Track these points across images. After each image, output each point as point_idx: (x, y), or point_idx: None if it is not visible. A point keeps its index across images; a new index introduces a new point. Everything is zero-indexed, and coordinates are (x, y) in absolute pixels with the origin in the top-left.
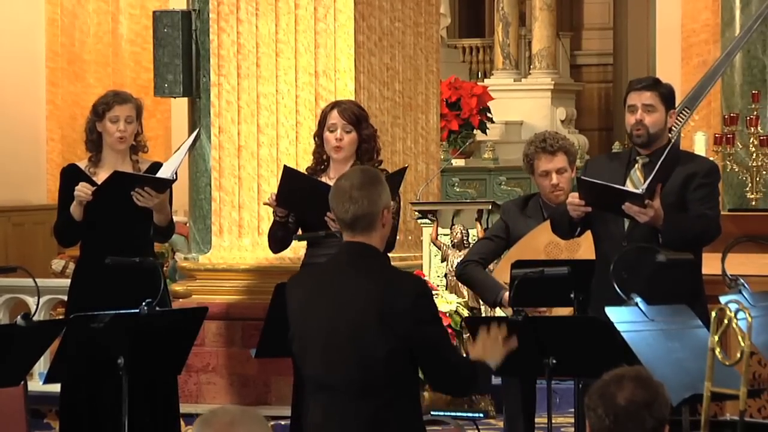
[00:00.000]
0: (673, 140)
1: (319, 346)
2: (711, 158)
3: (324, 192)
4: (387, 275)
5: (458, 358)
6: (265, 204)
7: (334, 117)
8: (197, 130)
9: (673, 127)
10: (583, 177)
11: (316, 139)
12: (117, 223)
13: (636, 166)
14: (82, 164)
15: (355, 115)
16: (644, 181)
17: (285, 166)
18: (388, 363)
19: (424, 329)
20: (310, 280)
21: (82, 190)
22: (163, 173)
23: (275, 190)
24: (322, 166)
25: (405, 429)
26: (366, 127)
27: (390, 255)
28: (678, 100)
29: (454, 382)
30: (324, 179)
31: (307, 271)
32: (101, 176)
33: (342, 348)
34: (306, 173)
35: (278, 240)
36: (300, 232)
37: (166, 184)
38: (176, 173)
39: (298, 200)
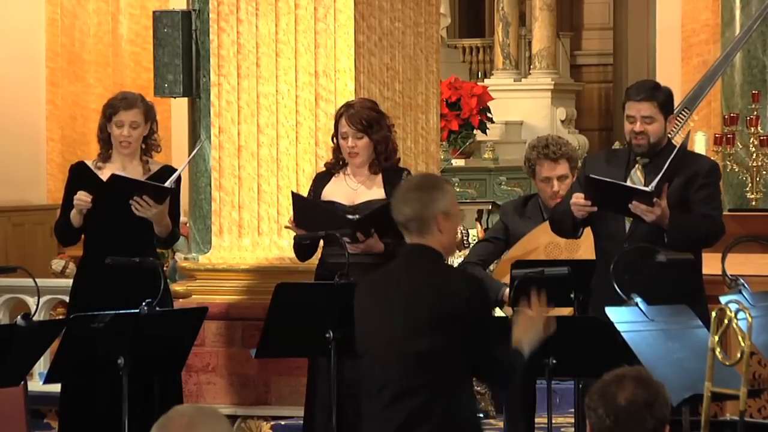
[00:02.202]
0: (673, 141)
1: (377, 344)
2: (711, 158)
3: (329, 216)
4: (441, 275)
5: (501, 356)
6: (286, 227)
7: (344, 125)
8: (201, 141)
9: (672, 129)
10: (591, 175)
11: (334, 140)
12: (118, 223)
13: (636, 166)
14: (90, 161)
15: (365, 120)
16: (644, 181)
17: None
18: (440, 360)
19: (476, 329)
20: (373, 280)
21: (82, 199)
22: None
23: (277, 193)
24: (340, 165)
25: (458, 424)
26: (377, 130)
27: None
28: (678, 101)
29: (495, 377)
30: (342, 177)
31: (374, 274)
32: (106, 173)
33: (397, 345)
34: (317, 178)
35: (302, 250)
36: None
37: (164, 193)
38: (174, 183)
39: (314, 220)
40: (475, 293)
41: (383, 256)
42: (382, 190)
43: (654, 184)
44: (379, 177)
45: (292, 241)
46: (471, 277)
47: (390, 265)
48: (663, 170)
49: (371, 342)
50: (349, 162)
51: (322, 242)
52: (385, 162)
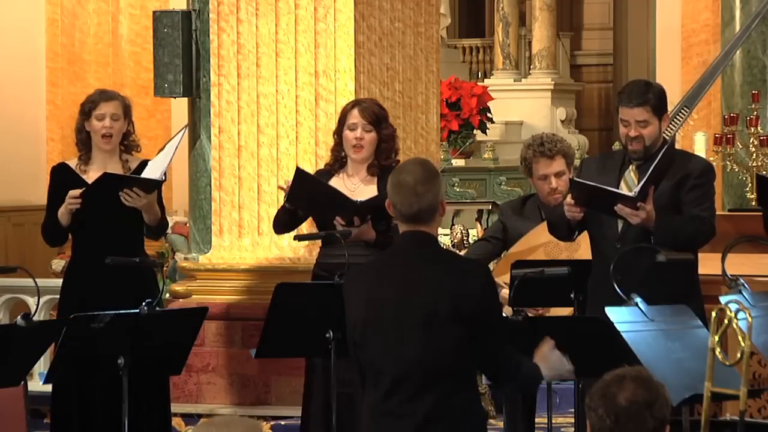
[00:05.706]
0: (669, 141)
1: (386, 334)
2: (705, 158)
3: (333, 196)
4: (455, 262)
5: (509, 352)
6: (279, 188)
7: (355, 116)
8: (183, 128)
9: (670, 128)
10: (575, 178)
11: (335, 137)
12: (107, 223)
13: (630, 167)
14: (72, 163)
15: (376, 115)
16: (638, 183)
17: (297, 168)
18: (456, 350)
19: (488, 317)
20: (374, 270)
21: (73, 199)
22: (151, 173)
23: (277, 187)
24: (338, 164)
25: (468, 418)
26: (386, 126)
27: None
28: (678, 101)
29: (496, 372)
30: (341, 177)
31: (369, 263)
32: (91, 175)
33: (412, 335)
34: (317, 175)
35: (283, 223)
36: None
37: (154, 185)
38: (165, 174)
39: (308, 201)
40: (488, 281)
41: (374, 245)
42: (377, 191)
43: (638, 188)
44: (376, 179)
45: (277, 214)
46: (481, 265)
47: (390, 253)
48: (648, 173)
49: (379, 330)
50: (352, 156)
51: (320, 242)
52: (384, 160)
